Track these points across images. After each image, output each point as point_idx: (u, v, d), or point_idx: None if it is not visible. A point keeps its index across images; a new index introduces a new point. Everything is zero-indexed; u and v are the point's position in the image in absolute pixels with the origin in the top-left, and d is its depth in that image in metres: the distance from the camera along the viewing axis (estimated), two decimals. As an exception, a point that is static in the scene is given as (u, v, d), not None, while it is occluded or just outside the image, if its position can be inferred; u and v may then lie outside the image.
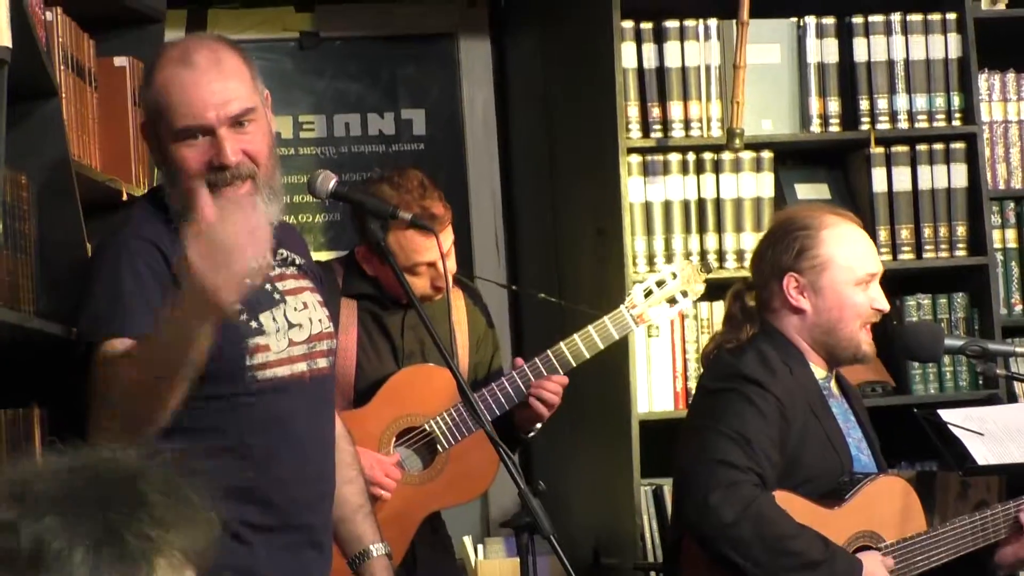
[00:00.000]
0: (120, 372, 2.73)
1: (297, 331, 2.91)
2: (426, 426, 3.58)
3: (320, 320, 2.93)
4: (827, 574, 3.17)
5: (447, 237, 3.63)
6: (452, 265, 3.66)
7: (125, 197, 3.49)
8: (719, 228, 4.11)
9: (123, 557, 1.43)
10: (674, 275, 3.72)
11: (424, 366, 3.66)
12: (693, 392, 3.75)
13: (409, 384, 3.72)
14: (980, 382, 4.18)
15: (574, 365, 3.61)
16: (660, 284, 3.70)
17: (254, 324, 2.83)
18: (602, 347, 3.65)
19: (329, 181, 2.99)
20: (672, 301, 3.73)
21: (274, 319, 2.90)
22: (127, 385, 2.71)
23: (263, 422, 2.83)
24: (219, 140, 2.75)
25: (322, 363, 2.93)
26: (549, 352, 3.60)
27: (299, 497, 2.67)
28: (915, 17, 4.21)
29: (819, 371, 3.33)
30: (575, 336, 3.60)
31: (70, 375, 2.86)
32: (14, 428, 2.74)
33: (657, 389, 4.10)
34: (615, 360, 3.90)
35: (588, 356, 3.62)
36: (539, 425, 3.65)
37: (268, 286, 2.84)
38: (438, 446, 3.59)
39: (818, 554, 3.14)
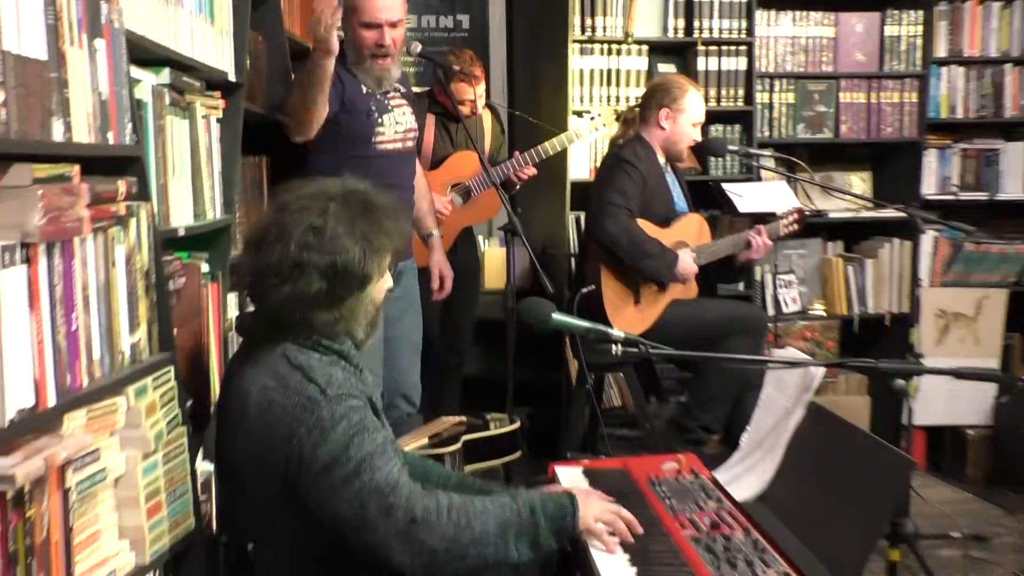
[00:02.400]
0: (290, 99, 3.14)
1: (399, 127, 3.30)
2: (467, 182, 4.10)
3: (409, 122, 3.36)
4: (662, 259, 3.58)
5: (482, 87, 4.20)
6: (482, 101, 4.23)
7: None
8: (618, 85, 4.51)
9: (375, 248, 1.85)
10: (600, 115, 4.18)
11: (467, 152, 4.08)
12: (599, 166, 3.97)
13: (459, 160, 4.13)
14: (743, 171, 4.65)
15: (544, 158, 4.07)
16: (591, 119, 4.16)
17: (378, 120, 3.24)
18: (559, 150, 4.11)
19: (417, 47, 3.45)
20: (596, 128, 4.18)
21: (391, 118, 3.29)
22: (293, 101, 3.07)
23: (379, 170, 3.14)
24: (383, 32, 3.25)
25: (409, 144, 3.35)
26: (532, 150, 4.03)
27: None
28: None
29: (662, 159, 3.80)
30: (546, 143, 4.06)
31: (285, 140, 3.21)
32: (254, 171, 3.10)
33: (580, 166, 4.52)
34: (561, 155, 4.25)
35: (552, 154, 4.09)
36: (517, 188, 4.12)
37: (386, 102, 3.29)
38: (472, 191, 4.12)
39: (659, 249, 3.58)
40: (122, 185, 1.86)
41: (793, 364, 2.28)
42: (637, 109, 3.89)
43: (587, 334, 2.19)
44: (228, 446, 1.85)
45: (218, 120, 2.63)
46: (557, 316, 2.19)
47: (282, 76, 3.41)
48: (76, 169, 1.70)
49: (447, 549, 1.72)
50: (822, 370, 2.27)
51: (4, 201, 1.51)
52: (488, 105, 4.36)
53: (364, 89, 3.23)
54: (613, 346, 2.16)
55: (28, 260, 1.53)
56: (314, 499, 1.74)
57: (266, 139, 3.25)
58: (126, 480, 1.83)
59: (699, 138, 3.82)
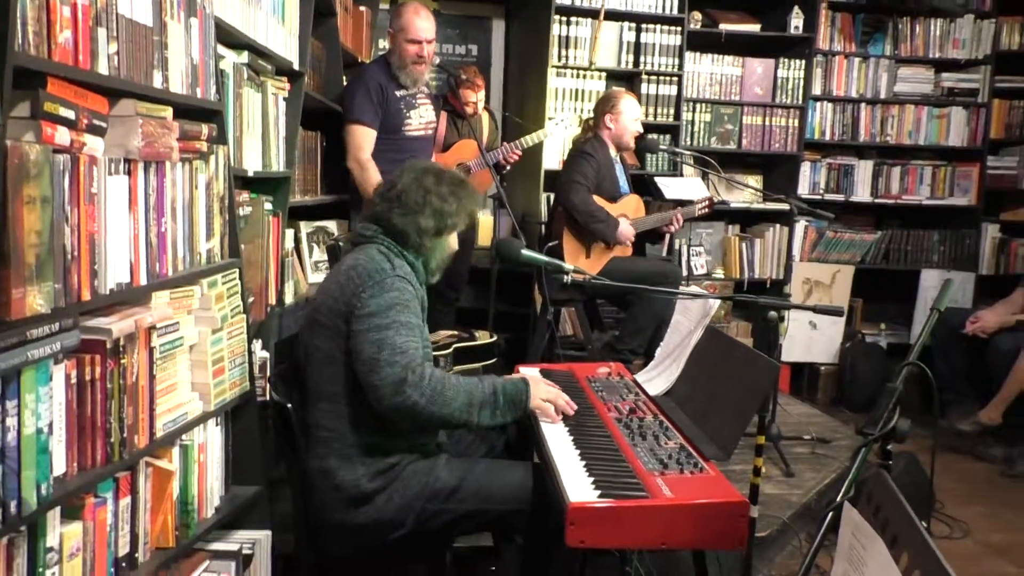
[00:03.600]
0: (352, 141, 3.15)
1: (422, 119, 3.26)
2: (468, 163, 3.89)
3: (431, 116, 3.30)
4: (607, 224, 3.46)
5: (482, 93, 4.07)
6: (481, 104, 4.12)
7: (360, 59, 3.73)
8: (582, 99, 4.40)
9: (463, 212, 1.88)
10: (565, 119, 4.01)
11: (469, 140, 3.90)
12: (566, 157, 3.77)
13: (462, 147, 3.96)
14: (670, 169, 4.50)
15: (526, 147, 3.85)
16: (562, 121, 4.00)
17: (407, 114, 3.20)
18: (537, 143, 3.93)
19: (438, 59, 3.35)
20: (567, 128, 4.02)
21: (417, 113, 3.23)
22: (355, 152, 3.02)
23: (408, 149, 3.17)
24: (422, 46, 3.17)
25: (430, 132, 3.31)
26: (517, 140, 3.84)
27: None
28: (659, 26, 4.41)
29: (612, 152, 3.66)
30: (528, 136, 3.88)
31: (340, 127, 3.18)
32: (311, 142, 3.04)
33: (552, 157, 4.40)
34: (538, 148, 4.15)
35: (532, 145, 3.90)
36: (507, 168, 3.87)
37: (414, 101, 3.27)
38: (471, 170, 3.87)
39: (606, 216, 3.47)
40: (205, 129, 1.82)
41: (696, 296, 2.28)
42: (593, 114, 3.83)
43: (547, 266, 2.14)
44: (318, 300, 1.80)
45: (284, 98, 2.60)
46: (526, 251, 2.14)
47: (335, 76, 3.39)
48: (170, 111, 1.67)
49: (425, 405, 1.69)
50: (717, 301, 2.26)
51: (114, 127, 1.50)
52: (487, 108, 4.31)
53: (399, 93, 3.18)
54: (565, 276, 2.12)
55: (129, 172, 1.54)
56: (353, 333, 1.70)
57: (321, 120, 3.23)
58: (198, 348, 1.80)
59: (640, 130, 3.71)
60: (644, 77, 4.52)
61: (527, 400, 1.80)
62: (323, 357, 1.75)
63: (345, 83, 3.42)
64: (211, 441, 1.83)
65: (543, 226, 4.17)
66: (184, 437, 1.74)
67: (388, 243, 1.83)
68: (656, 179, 4.20)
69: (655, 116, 4.54)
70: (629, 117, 3.67)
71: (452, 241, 1.91)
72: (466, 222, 1.89)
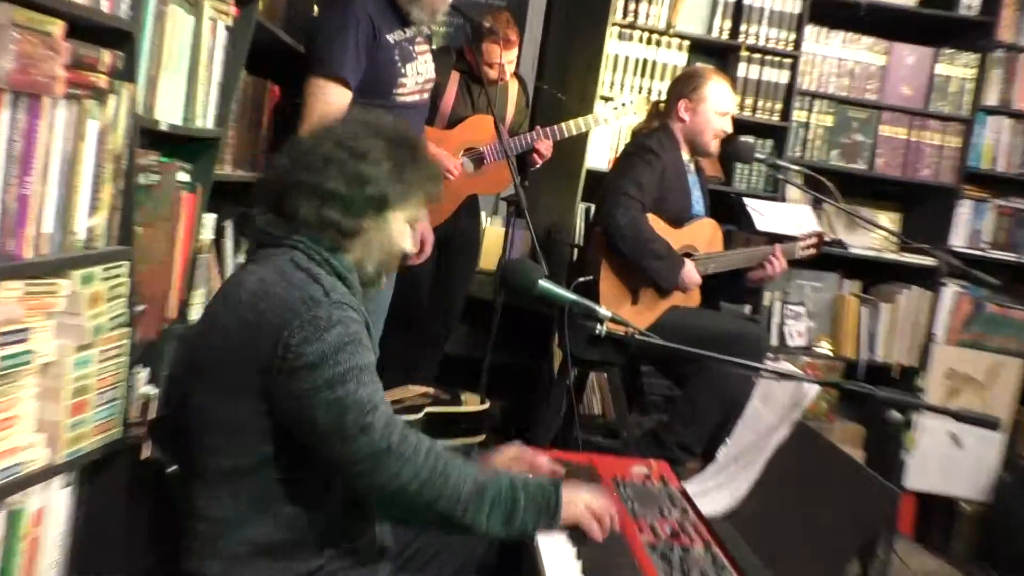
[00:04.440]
0: (316, 103, 2.97)
1: (419, 77, 3.22)
2: (481, 148, 4.09)
3: (430, 71, 3.27)
4: (667, 262, 3.54)
5: (513, 52, 4.18)
6: (511, 68, 4.23)
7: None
8: (652, 77, 4.53)
9: (407, 181, 1.87)
10: (632, 102, 4.18)
11: (486, 116, 4.00)
12: (619, 154, 3.86)
13: (477, 124, 4.13)
14: (769, 188, 4.65)
15: (564, 137, 4.07)
16: (623, 105, 4.16)
17: (402, 70, 3.15)
18: (584, 131, 4.12)
19: None
20: (626, 115, 4.18)
21: (413, 68, 3.19)
22: (316, 121, 2.88)
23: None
24: None
25: (426, 95, 3.29)
26: (555, 127, 4.04)
27: None
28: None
29: (685, 155, 3.77)
30: (571, 122, 4.07)
31: (301, 74, 3.09)
32: (257, 92, 3.05)
33: (599, 154, 4.54)
34: (580, 140, 4.32)
35: (573, 134, 4.08)
36: (538, 165, 4.14)
37: (412, 48, 3.18)
38: (484, 160, 4.10)
39: (665, 251, 3.54)
40: (107, 56, 1.81)
41: (785, 376, 2.24)
42: (666, 97, 3.91)
43: (573, 307, 2.14)
44: (206, 338, 1.80)
45: (227, 27, 2.58)
46: (545, 283, 2.13)
47: (304, 2, 3.45)
48: (61, 26, 1.66)
49: (417, 490, 1.71)
50: (815, 388, 2.23)
51: (-28, 37, 1.51)
52: (516, 74, 4.36)
53: (393, 37, 3.15)
54: (598, 326, 2.12)
55: (-13, 104, 1.53)
56: (289, 399, 1.70)
57: (279, 65, 3.21)
58: (54, 369, 1.77)
59: (728, 129, 3.77)
60: (744, 54, 4.61)
61: (557, 508, 1.81)
62: (220, 424, 1.75)
63: (317, 14, 3.46)
64: (53, 508, 1.79)
65: (575, 250, 4.28)
66: (13, 499, 1.72)
67: (307, 246, 1.83)
68: (746, 200, 4.26)
69: (753, 111, 4.64)
70: (715, 108, 3.75)
71: (398, 226, 1.91)
72: (420, 199, 1.91)
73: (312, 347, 1.69)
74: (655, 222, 3.61)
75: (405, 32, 3.15)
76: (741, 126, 4.30)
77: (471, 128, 4.14)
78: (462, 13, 3.61)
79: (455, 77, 4.14)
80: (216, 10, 2.52)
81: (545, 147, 4.07)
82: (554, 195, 4.78)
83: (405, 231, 1.91)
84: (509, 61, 4.17)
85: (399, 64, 3.14)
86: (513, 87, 4.33)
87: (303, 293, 1.74)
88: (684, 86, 3.78)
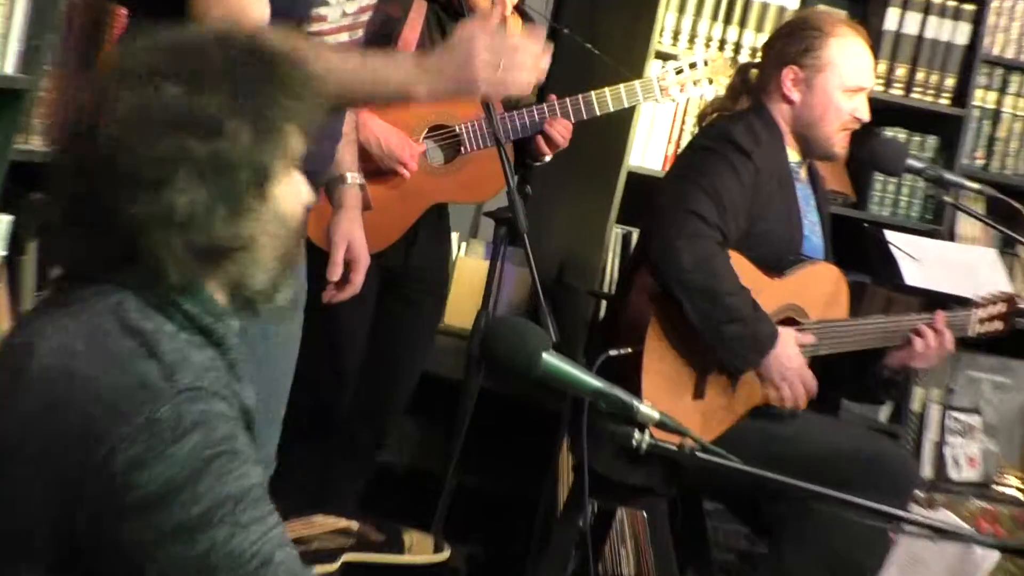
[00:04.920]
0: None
1: (349, 4, 3.16)
2: (456, 127, 4.16)
3: None
4: (749, 333, 3.60)
5: None
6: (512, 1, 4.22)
7: None
8: (742, 23, 4.72)
9: (270, 131, 1.86)
10: (705, 62, 4.26)
11: None
12: (684, 149, 4.08)
13: None
14: (928, 216, 4.85)
15: (597, 114, 4.15)
16: (692, 66, 4.25)
17: None
18: (625, 106, 4.20)
19: None
20: (696, 83, 4.27)
21: None
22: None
23: None
24: None
25: (359, 33, 3.23)
26: (580, 97, 4.15)
27: None
28: None
29: (793, 155, 3.87)
30: (605, 90, 4.15)
31: None
32: (93, 14, 3.07)
33: (651, 148, 4.72)
34: (620, 112, 4.29)
35: (612, 110, 4.16)
36: (547, 158, 4.21)
37: None
38: (461, 147, 4.18)
39: (747, 314, 3.58)
40: None
41: (946, 533, 2.27)
42: (758, 60, 4.07)
43: (596, 399, 2.17)
44: None
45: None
46: (550, 358, 2.18)
47: None
48: None
49: None
50: (993, 556, 2.31)
51: None
52: (520, 10, 4.42)
53: None
54: (636, 434, 2.16)
55: None
56: (117, 557, 1.71)
57: None
58: None
59: (863, 116, 3.88)
60: None
61: None
62: None
63: None
64: None
65: (604, 304, 4.44)
66: None
67: (143, 286, 1.84)
68: (889, 236, 4.36)
69: (907, 89, 4.80)
70: (843, 81, 3.85)
71: (286, 192, 1.94)
72: (299, 126, 1.94)
73: (152, 473, 1.68)
74: (740, 264, 3.69)
75: None
76: (884, 112, 4.35)
77: (444, 93, 4.24)
78: None
79: (420, 7, 4.23)
80: None
81: (561, 129, 4.17)
82: (573, 211, 4.93)
83: (293, 187, 1.95)
84: None
85: None
86: (515, 29, 4.29)
87: (129, 377, 1.74)
88: (792, 43, 3.88)
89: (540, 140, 4.17)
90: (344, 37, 3.20)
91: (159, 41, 1.92)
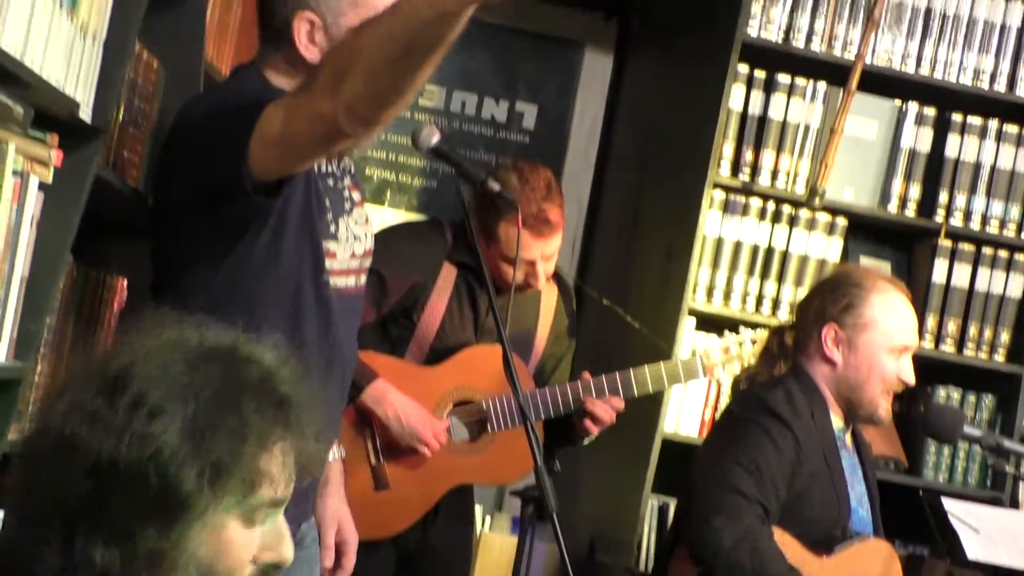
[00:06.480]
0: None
1: (357, 244, 3.18)
2: (483, 403, 4.16)
3: (370, 236, 3.24)
4: None
5: (555, 242, 4.20)
6: (551, 268, 4.22)
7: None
8: (780, 278, 4.76)
9: (208, 450, 1.57)
10: (753, 341, 4.29)
11: (497, 347, 3.75)
12: (719, 419, 4.18)
13: (480, 359, 4.21)
14: (988, 483, 4.80)
15: (635, 395, 4.16)
16: (740, 344, 4.30)
17: (332, 227, 3.08)
18: (666, 387, 4.27)
19: (433, 136, 3.48)
20: (737, 356, 4.29)
21: (346, 227, 3.15)
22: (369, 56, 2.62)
23: (330, 322, 3.09)
24: None
25: (363, 279, 3.26)
26: (617, 375, 4.15)
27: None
28: (1011, 128, 4.83)
29: (837, 421, 3.86)
30: (645, 369, 4.16)
31: (156, 245, 3.09)
32: (95, 288, 3.06)
33: (686, 414, 4.72)
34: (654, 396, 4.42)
35: (651, 391, 4.20)
36: (593, 437, 4.20)
37: (345, 191, 3.15)
38: (488, 425, 4.18)
39: None
40: None
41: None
42: (794, 321, 4.06)
43: None
44: None
45: (43, 185, 2.61)
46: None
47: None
48: None
49: None
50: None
51: None
52: (557, 277, 4.46)
53: (319, 166, 3.07)
54: None
55: None
56: None
57: (128, 249, 3.32)
58: None
59: (909, 378, 3.85)
60: (944, 243, 4.82)
61: None
62: None
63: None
64: None
65: None
66: None
67: None
68: (947, 505, 4.30)
69: (959, 346, 4.78)
70: (887, 341, 3.84)
71: (225, 537, 1.68)
72: (263, 469, 1.69)
73: None
74: (785, 543, 3.65)
75: (331, 165, 3.15)
76: (935, 370, 4.45)
77: (472, 367, 4.24)
78: (442, 154, 3.62)
79: (449, 272, 4.23)
80: (27, 155, 2.50)
81: (608, 408, 4.13)
82: (604, 481, 4.95)
83: (242, 539, 1.64)
84: (548, 256, 4.20)
85: (328, 214, 3.13)
86: (549, 297, 4.42)
87: None
88: (832, 301, 3.87)
89: (587, 420, 4.13)
90: (351, 282, 3.19)
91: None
